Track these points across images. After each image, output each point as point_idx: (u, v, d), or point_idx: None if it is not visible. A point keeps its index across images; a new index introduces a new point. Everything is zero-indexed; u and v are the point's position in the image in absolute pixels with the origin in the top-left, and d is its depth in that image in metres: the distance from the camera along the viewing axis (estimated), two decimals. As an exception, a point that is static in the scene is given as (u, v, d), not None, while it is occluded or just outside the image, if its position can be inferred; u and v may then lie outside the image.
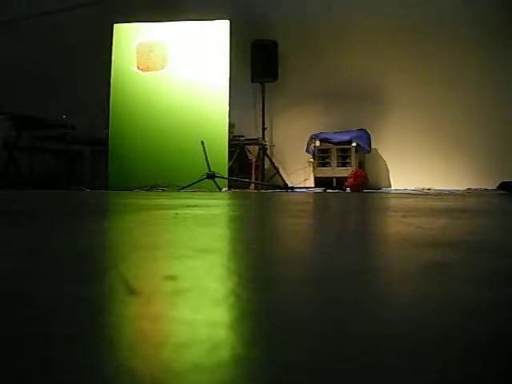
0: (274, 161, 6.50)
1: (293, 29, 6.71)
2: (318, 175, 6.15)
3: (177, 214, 1.77)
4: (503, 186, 4.53)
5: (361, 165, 6.12)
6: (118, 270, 0.63)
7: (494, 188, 4.88)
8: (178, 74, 5.82)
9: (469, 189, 5.77)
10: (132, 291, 0.51)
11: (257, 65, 6.45)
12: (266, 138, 6.64)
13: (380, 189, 6.29)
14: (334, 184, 5.99)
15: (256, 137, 6.36)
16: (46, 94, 6.92)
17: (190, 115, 5.71)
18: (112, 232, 1.27)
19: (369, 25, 6.43)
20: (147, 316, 0.43)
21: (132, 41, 5.98)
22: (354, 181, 5.65)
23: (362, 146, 6.07)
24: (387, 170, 6.59)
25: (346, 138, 6.07)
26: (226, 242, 1.06)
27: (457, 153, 6.13)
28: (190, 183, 5.23)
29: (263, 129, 6.61)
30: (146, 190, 5.19)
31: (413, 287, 0.56)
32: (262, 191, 5.49)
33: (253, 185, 5.90)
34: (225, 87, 5.70)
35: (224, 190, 5.33)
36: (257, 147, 6.31)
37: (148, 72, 5.90)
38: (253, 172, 6.07)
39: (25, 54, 7.39)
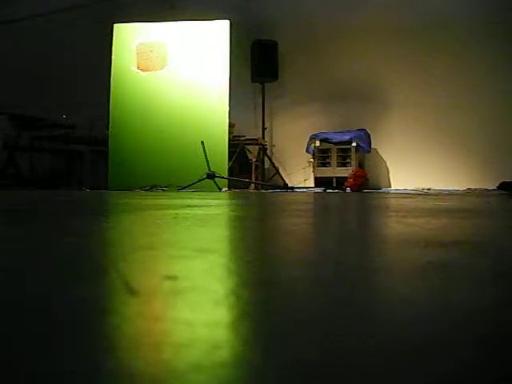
0: (273, 161, 6.50)
1: (293, 29, 6.70)
2: (317, 175, 6.15)
3: (177, 213, 1.77)
4: (503, 185, 4.53)
5: (361, 165, 6.12)
6: (117, 270, 0.63)
7: (494, 188, 4.88)
8: (178, 74, 5.82)
9: (469, 189, 5.76)
10: (132, 291, 0.51)
11: (257, 65, 6.45)
12: (266, 138, 6.64)
13: (380, 189, 6.29)
14: (334, 184, 5.99)
15: (256, 137, 6.36)
16: (45, 93, 6.91)
17: (189, 115, 5.71)
18: (112, 232, 1.26)
19: (369, 25, 6.42)
20: (147, 316, 0.43)
21: (132, 41, 5.98)
22: (353, 181, 5.65)
23: (362, 146, 6.07)
24: (387, 170, 6.59)
25: (346, 137, 6.07)
26: (226, 242, 1.06)
27: (457, 153, 6.12)
28: (189, 183, 5.23)
29: (263, 129, 6.61)
30: (146, 190, 5.19)
31: (413, 287, 0.56)
32: (262, 191, 5.49)
33: (253, 185, 5.90)
34: (225, 87, 5.70)
35: (224, 190, 5.33)
36: (257, 147, 6.31)
37: (148, 72, 5.90)
38: (253, 172, 6.07)
39: (25, 53, 7.38)
